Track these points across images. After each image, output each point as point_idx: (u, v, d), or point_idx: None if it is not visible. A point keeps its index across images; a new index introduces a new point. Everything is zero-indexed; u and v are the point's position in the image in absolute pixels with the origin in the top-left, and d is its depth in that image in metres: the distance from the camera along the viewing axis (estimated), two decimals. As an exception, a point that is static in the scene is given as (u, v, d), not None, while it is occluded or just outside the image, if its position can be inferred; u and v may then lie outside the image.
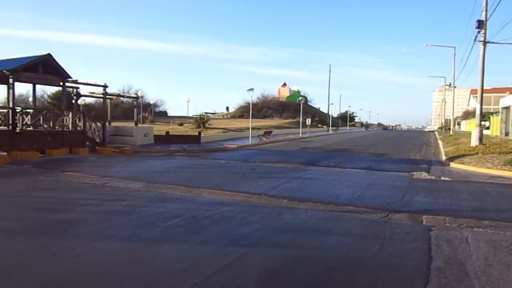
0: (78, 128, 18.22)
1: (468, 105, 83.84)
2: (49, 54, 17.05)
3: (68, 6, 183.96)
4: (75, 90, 20.61)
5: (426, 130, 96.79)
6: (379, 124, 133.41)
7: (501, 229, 6.04)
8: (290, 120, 54.88)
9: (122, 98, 44.71)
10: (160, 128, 29.53)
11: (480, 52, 19.49)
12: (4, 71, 15.54)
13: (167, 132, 25.60)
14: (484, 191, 9.71)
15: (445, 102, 68.47)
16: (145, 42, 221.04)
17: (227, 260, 4.42)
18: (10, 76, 15.74)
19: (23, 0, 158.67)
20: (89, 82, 20.27)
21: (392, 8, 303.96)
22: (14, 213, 6.82)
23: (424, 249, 4.96)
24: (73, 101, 21.18)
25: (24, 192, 8.58)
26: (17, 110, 15.94)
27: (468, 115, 68.85)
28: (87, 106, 29.09)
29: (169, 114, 62.57)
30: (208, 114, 53.29)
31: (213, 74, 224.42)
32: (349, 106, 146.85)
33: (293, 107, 60.14)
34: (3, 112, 16.00)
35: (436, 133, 54.28)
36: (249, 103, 37.34)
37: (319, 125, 60.37)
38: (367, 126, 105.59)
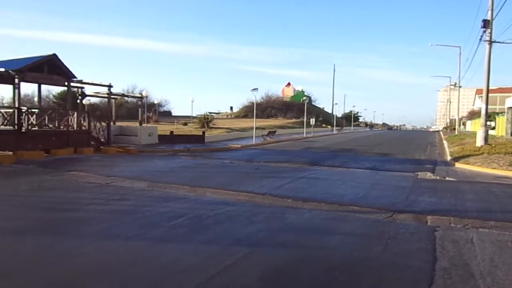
0: (83, 128, 18.30)
1: (473, 105, 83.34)
2: (54, 54, 17.15)
3: (69, 6, 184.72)
4: (80, 90, 20.70)
5: (431, 130, 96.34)
6: (384, 124, 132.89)
7: (507, 229, 6.00)
8: (294, 120, 54.81)
9: (126, 98, 44.96)
10: (164, 128, 29.60)
11: (485, 52, 19.37)
12: (10, 71, 15.64)
13: (171, 132, 25.66)
14: (490, 191, 9.65)
15: (450, 102, 68.03)
16: (149, 42, 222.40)
17: (231, 260, 4.42)
18: (16, 76, 15.85)
19: (23, 0, 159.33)
20: (94, 82, 20.36)
21: (397, 8, 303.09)
22: (20, 212, 6.87)
23: (429, 250, 4.94)
24: (78, 101, 21.28)
25: (29, 192, 8.64)
26: (23, 110, 16.04)
27: (473, 115, 68.41)
28: (92, 106, 29.25)
29: (173, 114, 62.86)
30: (212, 114, 53.37)
31: (217, 74, 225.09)
32: (354, 106, 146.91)
33: (297, 107, 60.07)
34: (9, 112, 16.11)
35: (441, 133, 53.96)
36: (253, 103, 37.34)
37: (323, 125, 60.22)
38: (371, 126, 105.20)
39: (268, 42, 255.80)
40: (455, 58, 51.33)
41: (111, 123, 21.16)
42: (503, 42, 21.05)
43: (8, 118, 15.80)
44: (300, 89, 73.42)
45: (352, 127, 70.85)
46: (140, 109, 25.20)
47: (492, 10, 18.97)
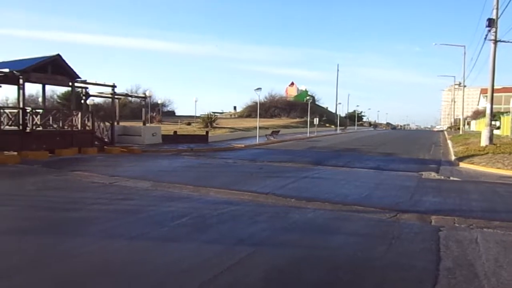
0: (87, 128, 18.38)
1: (478, 104, 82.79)
2: (58, 55, 17.23)
3: (69, 6, 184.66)
4: (84, 90, 20.76)
5: (435, 129, 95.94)
6: (388, 124, 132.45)
7: (512, 229, 5.96)
8: (297, 120, 54.78)
9: (130, 98, 45.06)
10: (168, 128, 29.69)
11: (490, 51, 19.24)
12: (15, 71, 15.74)
13: (175, 132, 25.72)
14: (494, 191, 9.59)
15: (454, 102, 67.66)
16: (151, 41, 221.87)
17: (235, 259, 4.42)
18: (20, 76, 15.94)
19: (23, 0, 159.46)
20: (98, 82, 20.42)
21: (401, 6, 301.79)
22: (24, 212, 6.91)
23: (433, 250, 4.92)
24: (82, 101, 21.33)
25: (33, 192, 8.68)
26: (27, 110, 16.13)
27: (478, 114, 67.99)
28: (95, 106, 29.29)
29: (176, 114, 62.99)
30: (216, 114, 53.41)
31: (220, 74, 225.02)
32: (357, 106, 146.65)
33: (301, 107, 60.03)
34: (14, 112, 16.21)
35: (445, 132, 53.75)
36: (256, 103, 37.35)
37: (327, 125, 60.14)
38: (375, 125, 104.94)
39: (268, 42, 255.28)
40: (460, 57, 51.14)
41: (115, 123, 21.23)
42: (508, 41, 20.86)
43: (13, 119, 15.89)
44: (304, 89, 73.24)
45: (356, 127, 70.69)
46: (143, 109, 25.24)
47: (497, 9, 18.86)
